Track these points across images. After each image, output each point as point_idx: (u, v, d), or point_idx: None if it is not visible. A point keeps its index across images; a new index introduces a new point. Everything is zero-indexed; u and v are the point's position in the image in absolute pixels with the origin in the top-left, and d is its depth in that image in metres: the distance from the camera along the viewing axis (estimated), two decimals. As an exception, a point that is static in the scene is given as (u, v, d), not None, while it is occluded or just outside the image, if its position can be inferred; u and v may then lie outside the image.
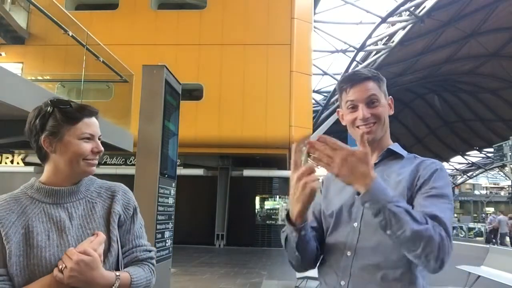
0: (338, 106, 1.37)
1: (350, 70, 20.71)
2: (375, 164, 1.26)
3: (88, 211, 1.15)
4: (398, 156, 1.26)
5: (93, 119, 1.18)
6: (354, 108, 1.25)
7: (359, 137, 1.11)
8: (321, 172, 1.12)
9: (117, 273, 1.10)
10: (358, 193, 1.03)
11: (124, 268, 1.16)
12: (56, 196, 1.13)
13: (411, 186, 1.15)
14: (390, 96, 1.32)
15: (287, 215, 1.16)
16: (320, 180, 1.38)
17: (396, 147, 1.28)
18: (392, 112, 1.31)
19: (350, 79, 1.26)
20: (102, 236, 1.11)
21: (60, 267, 1.02)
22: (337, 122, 1.38)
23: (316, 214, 1.34)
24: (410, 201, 1.14)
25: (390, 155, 1.27)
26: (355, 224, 1.18)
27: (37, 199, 1.11)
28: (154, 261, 1.25)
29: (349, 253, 1.16)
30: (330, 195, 1.32)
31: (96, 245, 1.08)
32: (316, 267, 1.31)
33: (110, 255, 1.12)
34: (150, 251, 1.24)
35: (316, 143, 1.03)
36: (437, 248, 0.98)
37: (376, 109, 1.23)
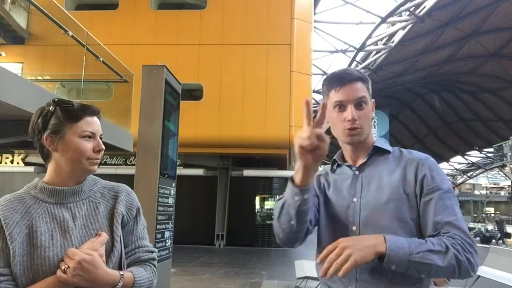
0: None
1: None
2: (364, 163, 1.26)
3: (91, 211, 1.16)
4: (385, 152, 1.27)
5: (95, 118, 1.19)
6: (341, 108, 1.24)
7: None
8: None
9: (121, 272, 1.11)
10: (379, 259, 1.03)
11: (126, 268, 1.16)
12: (60, 196, 1.13)
13: (410, 186, 1.16)
14: (373, 99, 1.31)
15: (291, 178, 1.14)
16: (317, 174, 1.38)
17: (381, 143, 1.29)
18: (373, 114, 1.31)
19: (341, 78, 1.24)
20: (104, 236, 1.11)
21: (63, 267, 1.03)
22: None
23: (316, 194, 1.34)
24: (413, 199, 1.16)
25: (376, 152, 1.27)
26: (354, 228, 1.18)
27: (40, 199, 1.12)
28: (156, 262, 1.25)
29: None
30: (326, 191, 1.32)
31: (98, 245, 1.08)
32: (316, 268, 1.31)
33: (113, 255, 1.13)
34: (152, 252, 1.25)
35: (322, 259, 1.05)
36: (467, 263, 1.04)
37: (363, 112, 1.22)
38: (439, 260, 1.02)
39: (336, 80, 1.25)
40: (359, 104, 1.22)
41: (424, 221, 1.13)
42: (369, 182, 1.22)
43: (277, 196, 14.97)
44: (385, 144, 1.29)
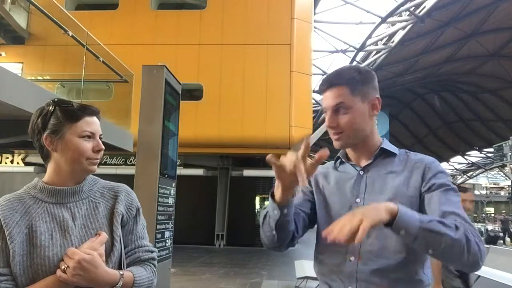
0: None
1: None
2: (369, 164, 1.25)
3: (91, 211, 1.16)
4: (390, 154, 1.26)
5: (94, 118, 1.19)
6: (326, 113, 1.24)
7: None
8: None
9: (121, 272, 1.11)
10: (387, 224, 0.98)
11: (126, 268, 1.16)
12: (59, 196, 1.13)
13: (416, 188, 1.16)
14: (377, 96, 1.25)
15: (272, 193, 1.17)
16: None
17: (387, 145, 1.27)
18: (376, 113, 1.26)
19: (323, 83, 1.25)
20: (104, 235, 1.11)
21: (63, 267, 1.03)
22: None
23: (309, 197, 1.34)
24: (417, 202, 1.15)
25: (382, 154, 1.26)
26: None
27: (40, 199, 1.12)
28: (156, 262, 1.25)
29: (352, 258, 1.16)
30: (327, 189, 1.31)
31: (97, 244, 1.08)
32: (314, 268, 1.31)
33: (113, 254, 1.13)
34: (152, 251, 1.25)
35: (330, 234, 0.97)
36: (477, 246, 1.00)
37: (342, 117, 1.20)
38: (451, 232, 0.98)
39: (322, 84, 1.27)
40: (337, 110, 1.21)
41: (429, 212, 1.12)
42: (373, 183, 1.21)
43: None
44: (391, 146, 1.28)
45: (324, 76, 1.31)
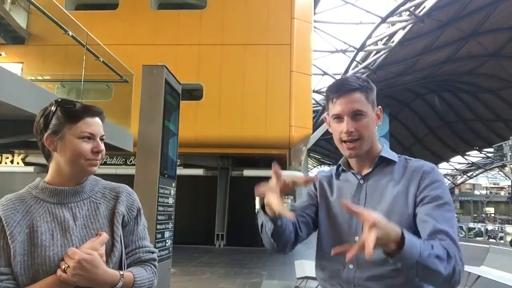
0: None
1: (350, 70, 20.72)
2: (369, 172, 1.25)
3: (92, 211, 1.16)
4: (390, 162, 1.25)
5: (96, 119, 1.18)
6: (339, 119, 1.22)
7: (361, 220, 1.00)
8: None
9: (121, 272, 1.11)
10: (387, 254, 0.97)
11: (127, 268, 1.17)
12: (61, 196, 1.14)
13: (412, 197, 1.16)
14: (379, 106, 1.27)
15: (262, 206, 1.19)
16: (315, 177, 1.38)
17: (387, 152, 1.27)
18: (379, 123, 1.27)
19: (337, 89, 1.23)
20: (105, 236, 1.12)
21: (63, 267, 1.03)
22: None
23: (313, 202, 1.35)
24: (413, 210, 1.15)
25: (382, 162, 1.25)
26: (356, 238, 1.18)
27: (41, 199, 1.13)
28: (156, 263, 1.26)
29: (351, 266, 1.17)
30: (329, 199, 1.31)
31: (98, 244, 1.09)
32: (315, 272, 1.32)
33: (113, 255, 1.13)
34: (152, 252, 1.25)
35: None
36: (459, 275, 1.03)
37: (360, 123, 1.19)
38: (442, 268, 0.99)
39: (333, 91, 1.24)
40: (355, 115, 1.20)
41: (421, 226, 1.11)
42: (373, 192, 1.21)
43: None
44: (391, 154, 1.27)
45: (335, 82, 1.30)
